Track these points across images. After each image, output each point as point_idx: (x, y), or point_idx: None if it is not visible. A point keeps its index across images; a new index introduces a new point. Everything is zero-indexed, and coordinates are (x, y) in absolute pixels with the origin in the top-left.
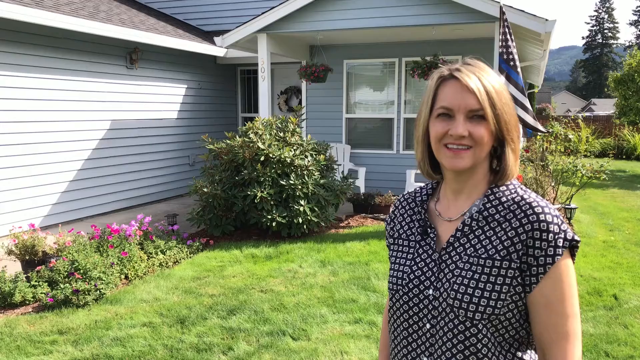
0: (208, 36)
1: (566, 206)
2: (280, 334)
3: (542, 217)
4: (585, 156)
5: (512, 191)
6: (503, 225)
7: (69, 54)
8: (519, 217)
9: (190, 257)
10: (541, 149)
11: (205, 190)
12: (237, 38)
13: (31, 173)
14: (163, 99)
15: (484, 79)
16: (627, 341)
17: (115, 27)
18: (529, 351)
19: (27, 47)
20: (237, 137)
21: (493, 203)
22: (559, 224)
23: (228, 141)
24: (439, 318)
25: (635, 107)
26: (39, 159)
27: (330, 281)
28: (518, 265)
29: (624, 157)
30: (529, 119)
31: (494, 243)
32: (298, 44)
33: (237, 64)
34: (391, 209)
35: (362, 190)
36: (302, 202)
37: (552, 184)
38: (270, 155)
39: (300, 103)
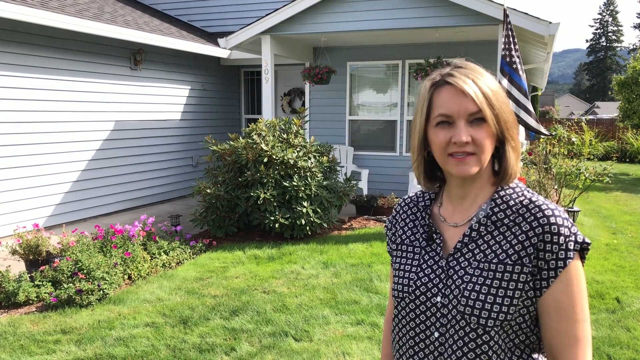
0: (212, 37)
1: (569, 209)
2: (283, 335)
3: (552, 220)
4: (588, 159)
5: (519, 194)
6: (513, 230)
7: (73, 54)
8: (528, 220)
9: (193, 258)
10: (544, 152)
11: (208, 191)
12: (241, 40)
13: (35, 173)
14: (166, 100)
15: (478, 81)
16: (630, 344)
17: (120, 28)
18: (539, 356)
19: (31, 47)
20: (240, 138)
21: (501, 207)
22: (569, 226)
23: (231, 142)
24: (448, 326)
25: (639, 110)
26: (43, 160)
27: (333, 282)
28: (530, 269)
29: (628, 160)
30: (532, 122)
31: (504, 248)
32: (302, 46)
33: (240, 65)
34: (392, 214)
35: (365, 192)
36: (305, 204)
37: (555, 187)
38: (274, 156)
39: (303, 105)
